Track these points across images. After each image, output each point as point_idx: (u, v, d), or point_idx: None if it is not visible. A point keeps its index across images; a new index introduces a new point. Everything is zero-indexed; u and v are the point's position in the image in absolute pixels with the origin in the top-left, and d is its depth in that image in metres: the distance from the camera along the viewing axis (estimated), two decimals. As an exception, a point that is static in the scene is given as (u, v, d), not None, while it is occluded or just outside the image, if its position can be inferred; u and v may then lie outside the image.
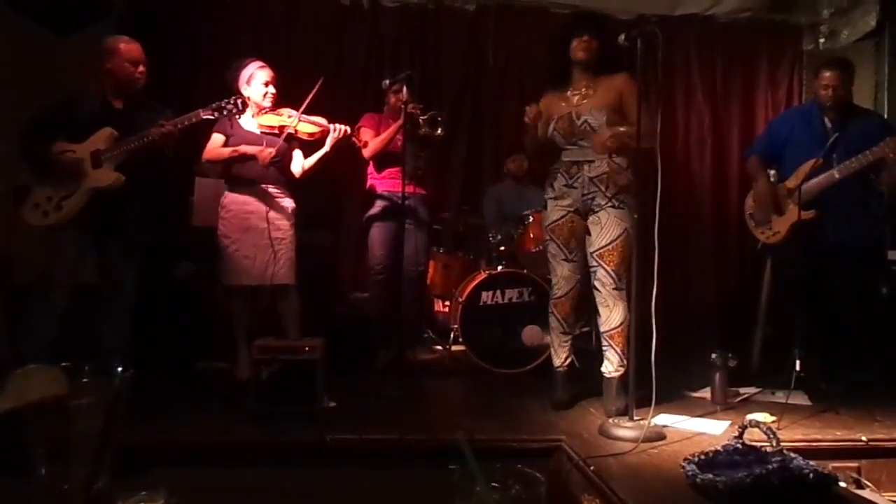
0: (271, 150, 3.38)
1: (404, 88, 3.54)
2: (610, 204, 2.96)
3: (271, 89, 3.48)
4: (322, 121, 3.53)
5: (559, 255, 3.12)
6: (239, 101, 3.22)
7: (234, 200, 3.47)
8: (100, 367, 2.86)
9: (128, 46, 3.14)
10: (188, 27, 4.75)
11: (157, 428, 2.63)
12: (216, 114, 3.18)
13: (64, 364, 0.96)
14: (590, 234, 3.05)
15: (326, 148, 3.53)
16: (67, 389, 0.92)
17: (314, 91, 3.40)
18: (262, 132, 3.48)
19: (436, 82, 5.02)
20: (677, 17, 5.11)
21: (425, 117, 3.81)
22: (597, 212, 3.01)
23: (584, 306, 3.35)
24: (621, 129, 2.91)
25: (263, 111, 3.48)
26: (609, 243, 2.96)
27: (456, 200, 4.92)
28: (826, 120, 3.56)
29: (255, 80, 3.47)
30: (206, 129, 3.47)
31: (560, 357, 3.18)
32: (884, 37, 4.75)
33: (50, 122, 3.10)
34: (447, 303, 4.49)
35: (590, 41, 3.01)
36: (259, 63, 3.51)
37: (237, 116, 3.41)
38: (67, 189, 3.03)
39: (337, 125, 3.52)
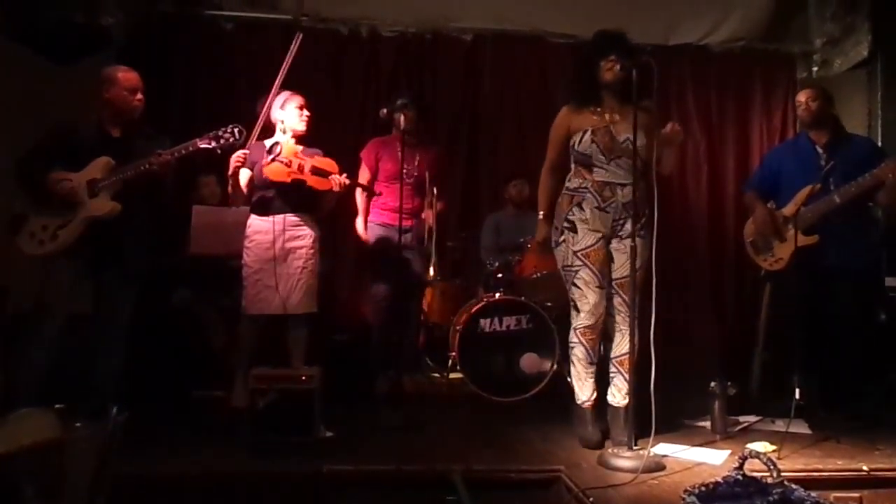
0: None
1: (405, 113, 3.60)
2: (637, 233, 2.85)
3: (306, 112, 3.51)
4: (330, 168, 3.46)
5: (593, 282, 2.94)
6: (236, 130, 3.19)
7: (258, 230, 3.45)
8: (94, 396, 2.80)
9: (126, 75, 3.15)
10: (187, 56, 4.79)
11: (152, 459, 2.60)
12: (213, 143, 3.17)
13: (58, 406, 0.95)
14: (613, 261, 2.98)
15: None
16: (61, 433, 0.91)
17: (293, 47, 3.39)
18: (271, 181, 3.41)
19: (433, 110, 5.06)
20: (672, 46, 5.17)
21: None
22: (623, 238, 2.93)
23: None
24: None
25: (276, 158, 3.41)
26: (631, 273, 2.84)
27: (453, 227, 4.92)
28: (818, 147, 3.59)
29: (291, 105, 3.50)
30: (204, 157, 3.46)
31: (587, 391, 2.99)
32: (876, 66, 4.81)
33: (47, 151, 3.10)
34: (445, 330, 4.46)
35: (615, 62, 2.90)
36: (290, 91, 3.54)
37: (239, 143, 3.34)
38: (63, 218, 3.02)
39: (338, 179, 3.42)
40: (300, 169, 3.41)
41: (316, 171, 3.44)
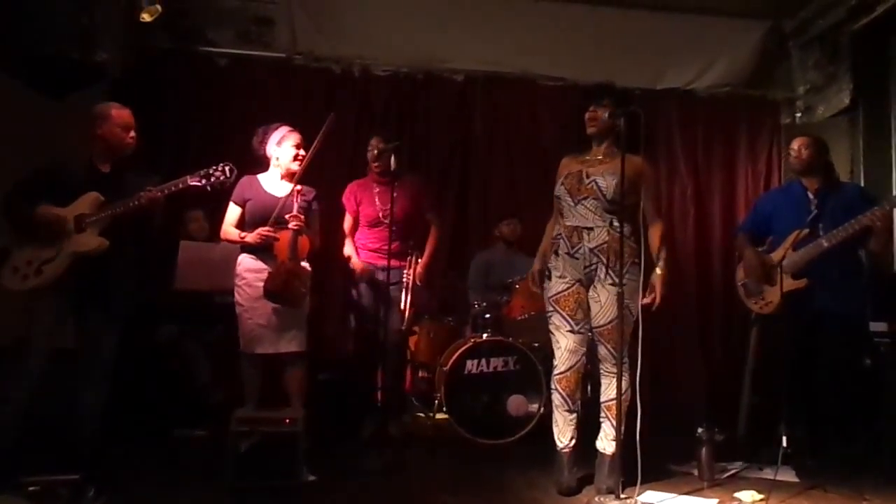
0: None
1: (392, 157, 3.61)
2: (609, 280, 2.85)
3: (301, 152, 3.51)
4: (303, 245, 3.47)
5: (563, 326, 2.97)
6: (227, 168, 3.19)
7: (249, 268, 3.42)
8: (75, 434, 2.71)
9: (119, 112, 3.15)
10: (180, 92, 4.81)
11: (131, 502, 2.55)
12: (203, 180, 3.17)
13: (32, 489, 0.93)
14: (590, 309, 2.98)
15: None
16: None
17: (325, 127, 3.44)
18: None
19: (424, 148, 5.10)
20: (659, 90, 5.26)
21: None
22: (597, 287, 2.93)
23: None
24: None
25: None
26: (609, 322, 2.86)
27: (442, 266, 4.92)
28: (808, 193, 3.65)
29: (287, 142, 3.51)
30: (194, 193, 3.45)
31: (565, 437, 3.00)
32: (858, 113, 4.90)
33: (35, 186, 3.08)
34: (432, 370, 4.43)
35: (595, 112, 2.98)
36: (289, 127, 3.56)
37: (230, 181, 3.31)
38: (49, 253, 2.98)
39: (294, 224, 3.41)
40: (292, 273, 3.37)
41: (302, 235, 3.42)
